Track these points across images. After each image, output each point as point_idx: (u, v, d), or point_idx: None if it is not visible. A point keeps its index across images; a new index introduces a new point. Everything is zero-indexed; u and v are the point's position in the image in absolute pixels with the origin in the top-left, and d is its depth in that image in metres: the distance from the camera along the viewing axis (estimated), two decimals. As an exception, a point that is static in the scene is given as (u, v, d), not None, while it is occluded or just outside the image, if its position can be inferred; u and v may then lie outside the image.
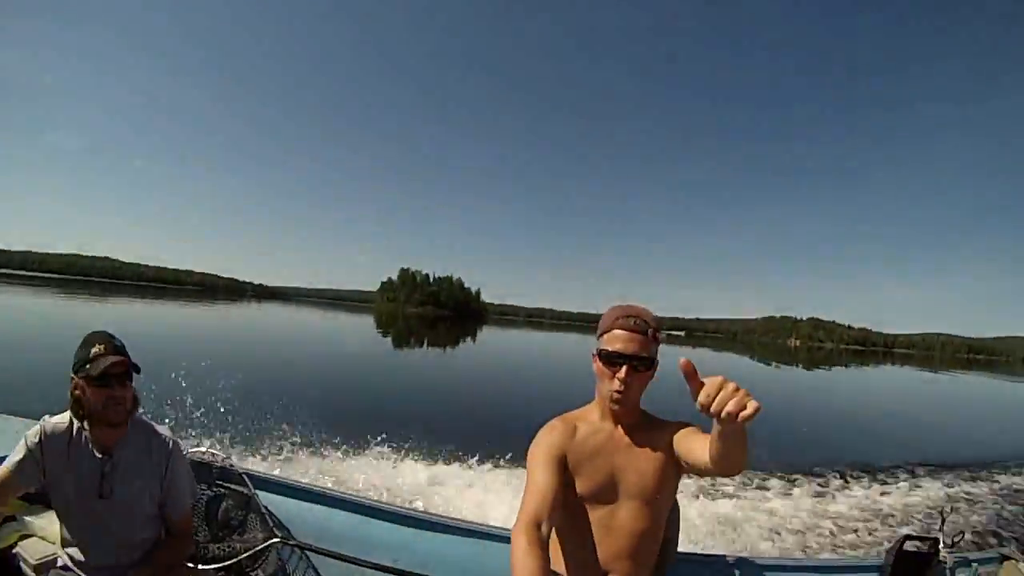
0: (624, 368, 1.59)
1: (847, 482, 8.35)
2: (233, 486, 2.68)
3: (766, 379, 30.54)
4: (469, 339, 46.69)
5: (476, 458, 6.97)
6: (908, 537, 2.79)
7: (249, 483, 2.68)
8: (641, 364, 1.60)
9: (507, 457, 6.97)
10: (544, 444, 1.62)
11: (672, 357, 1.42)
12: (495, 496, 5.73)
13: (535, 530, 1.34)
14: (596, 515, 1.63)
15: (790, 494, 7.38)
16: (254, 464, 5.56)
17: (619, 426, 1.69)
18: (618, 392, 1.60)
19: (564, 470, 1.59)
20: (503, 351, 36.71)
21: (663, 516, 1.71)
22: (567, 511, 1.61)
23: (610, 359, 1.61)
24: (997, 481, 9.42)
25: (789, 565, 2.69)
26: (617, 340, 1.60)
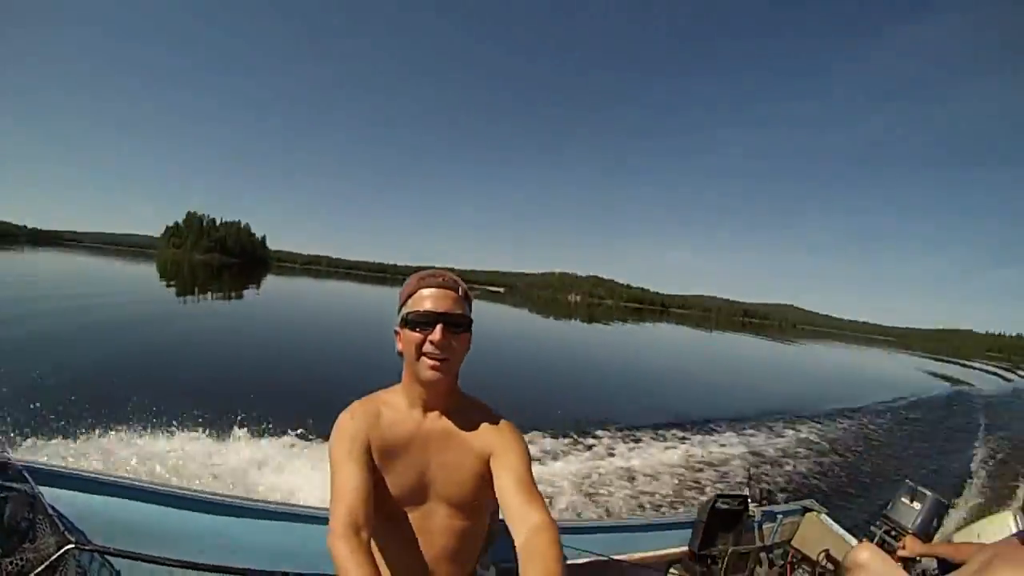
0: (438, 328, 1.37)
1: (658, 439, 8.81)
2: (14, 484, 2.20)
3: (540, 331, 31.84)
4: (253, 288, 42.69)
5: (297, 432, 6.41)
6: (720, 496, 2.97)
7: (31, 479, 2.21)
8: (456, 324, 1.40)
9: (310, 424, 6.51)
10: (347, 435, 1.39)
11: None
12: (316, 472, 5.36)
13: (355, 535, 1.17)
14: (409, 517, 1.45)
15: (587, 453, 7.56)
16: (44, 453, 4.69)
17: (430, 415, 1.48)
18: (435, 358, 1.38)
19: (373, 463, 1.39)
20: (293, 301, 34.15)
21: (485, 515, 1.56)
22: (378, 511, 1.37)
23: (419, 321, 1.38)
24: (798, 433, 10.90)
25: (608, 527, 2.75)
26: (425, 299, 1.40)
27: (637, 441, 8.52)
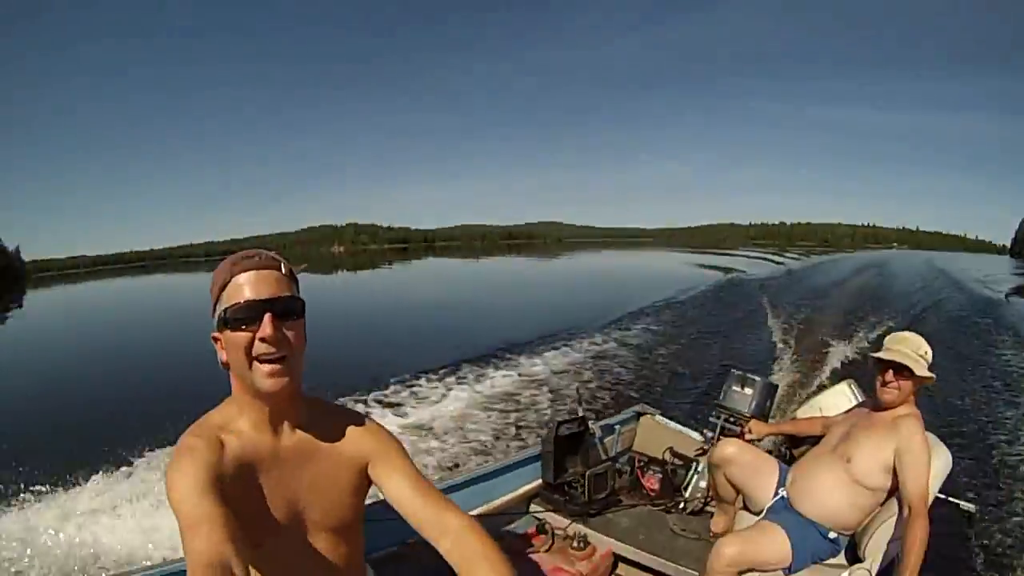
0: (267, 320, 1.12)
1: (466, 378, 8.37)
2: None
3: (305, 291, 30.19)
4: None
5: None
6: (560, 422, 2.98)
7: None
8: (288, 311, 1.16)
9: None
10: (190, 478, 1.04)
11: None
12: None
13: None
14: (283, 553, 1.23)
15: (402, 410, 7.03)
16: None
17: (283, 431, 1.24)
18: (272, 360, 1.13)
19: (225, 502, 1.06)
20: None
21: (363, 527, 1.41)
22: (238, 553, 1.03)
23: (241, 316, 1.12)
24: (603, 343, 10.99)
25: (459, 483, 2.66)
26: (243, 287, 1.14)
27: (449, 386, 8.11)
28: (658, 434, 3.58)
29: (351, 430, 1.32)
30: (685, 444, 3.43)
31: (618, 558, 2.78)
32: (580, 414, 3.20)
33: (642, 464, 3.30)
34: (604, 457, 3.28)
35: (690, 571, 2.55)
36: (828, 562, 2.43)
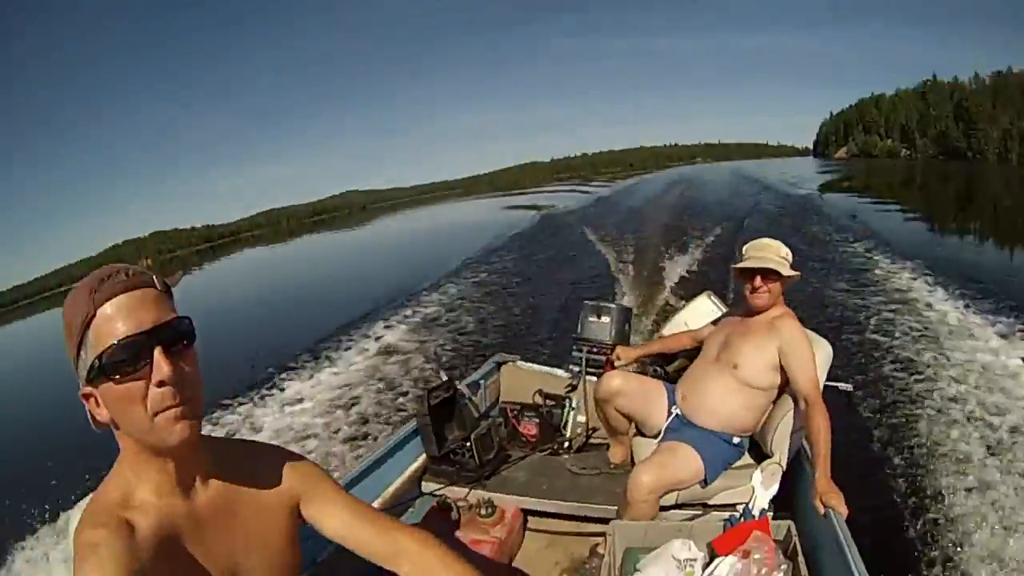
0: (158, 356, 0.87)
1: (310, 369, 7.76)
2: None
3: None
4: None
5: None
6: (429, 391, 2.91)
7: None
8: (177, 336, 0.92)
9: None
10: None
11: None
12: None
13: None
14: None
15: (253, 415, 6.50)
16: None
17: (197, 488, 1.02)
18: (175, 404, 0.89)
19: None
20: None
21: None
22: None
23: (125, 355, 0.86)
24: (440, 303, 10.50)
25: (345, 483, 2.48)
26: (115, 320, 0.86)
27: (304, 379, 7.49)
28: (524, 379, 3.53)
29: (268, 468, 1.15)
30: (553, 384, 3.40)
31: (527, 512, 2.76)
32: (444, 378, 3.11)
33: (515, 413, 3.26)
34: (477, 415, 3.20)
35: (603, 506, 2.57)
36: (737, 465, 2.55)
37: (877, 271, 9.34)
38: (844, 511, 1.97)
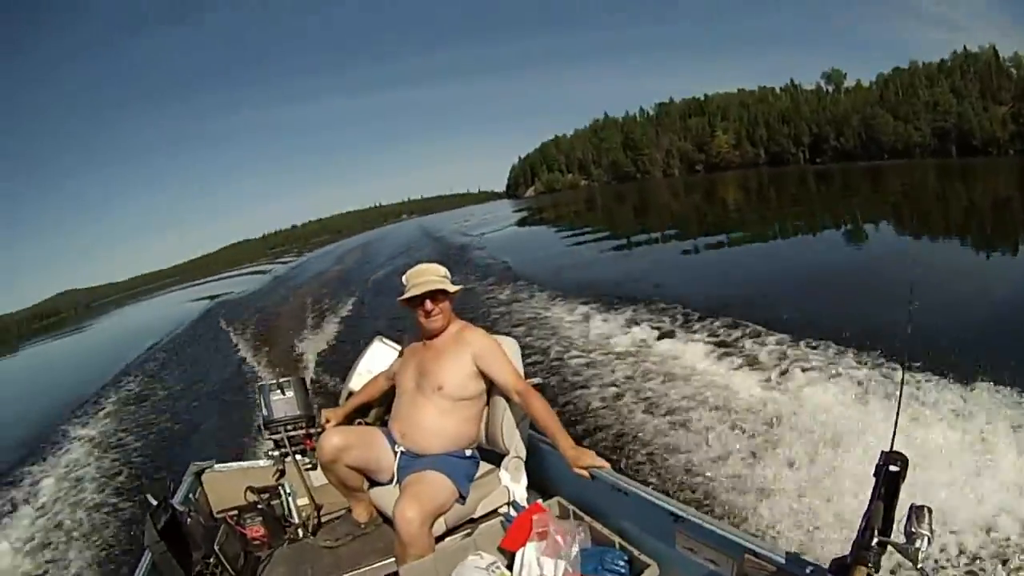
0: None
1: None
2: None
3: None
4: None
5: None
6: (150, 515, 2.34)
7: None
8: None
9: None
10: None
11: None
12: None
13: None
14: None
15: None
16: None
17: None
18: None
19: None
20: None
21: None
22: None
23: None
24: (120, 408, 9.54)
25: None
26: None
27: None
28: (229, 482, 3.12)
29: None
30: (260, 476, 3.08)
31: None
32: (153, 501, 2.47)
33: (235, 519, 2.87)
34: (203, 529, 2.67)
35: (381, 563, 2.47)
36: (482, 473, 2.62)
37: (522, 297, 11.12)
38: (602, 463, 2.19)
